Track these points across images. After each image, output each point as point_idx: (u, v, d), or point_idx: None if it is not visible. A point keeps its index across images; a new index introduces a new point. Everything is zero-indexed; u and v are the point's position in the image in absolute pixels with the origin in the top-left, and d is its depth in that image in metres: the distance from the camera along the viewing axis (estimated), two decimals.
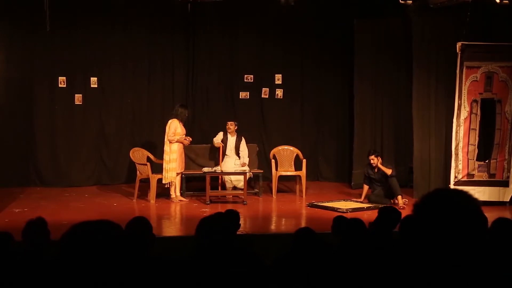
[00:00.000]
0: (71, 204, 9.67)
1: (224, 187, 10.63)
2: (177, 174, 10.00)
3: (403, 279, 2.62)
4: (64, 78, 11.40)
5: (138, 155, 10.41)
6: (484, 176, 9.79)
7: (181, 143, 10.01)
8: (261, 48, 12.14)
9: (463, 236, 1.86)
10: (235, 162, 10.65)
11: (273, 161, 10.92)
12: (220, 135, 10.80)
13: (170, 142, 9.93)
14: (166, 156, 9.98)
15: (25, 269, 3.40)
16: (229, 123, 10.76)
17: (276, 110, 12.33)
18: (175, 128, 9.93)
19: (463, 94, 9.68)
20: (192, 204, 9.91)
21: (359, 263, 4.00)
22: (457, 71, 9.63)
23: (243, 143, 10.76)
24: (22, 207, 9.27)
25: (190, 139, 10.18)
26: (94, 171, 11.72)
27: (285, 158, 11.05)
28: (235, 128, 10.77)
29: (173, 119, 10.00)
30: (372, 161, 9.78)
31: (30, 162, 11.43)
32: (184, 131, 10.09)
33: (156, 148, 11.15)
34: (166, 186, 10.01)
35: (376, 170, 9.85)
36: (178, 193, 10.04)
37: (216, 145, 10.72)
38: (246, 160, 10.63)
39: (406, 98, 10.94)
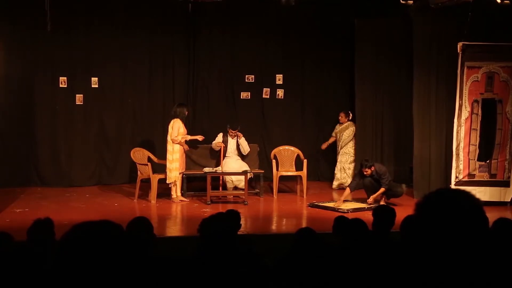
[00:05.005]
0: (72, 204, 9.67)
1: (225, 187, 10.63)
2: (180, 173, 10.02)
3: (404, 279, 2.62)
4: (65, 78, 11.40)
5: (139, 155, 10.40)
6: (485, 176, 9.79)
7: (182, 146, 10.00)
8: (261, 48, 12.14)
9: (465, 237, 1.85)
10: (236, 161, 10.66)
11: (274, 161, 10.92)
12: (219, 137, 10.79)
13: (173, 142, 9.94)
14: (169, 156, 9.98)
15: (26, 269, 3.39)
16: (233, 131, 10.71)
17: (277, 110, 12.33)
18: (178, 128, 9.95)
19: (464, 94, 9.68)
20: (193, 204, 9.91)
21: (360, 263, 4.00)
22: (458, 71, 9.63)
23: (242, 139, 10.76)
24: (22, 207, 9.28)
25: (203, 137, 10.30)
26: (95, 171, 11.72)
27: (286, 158, 11.05)
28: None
29: (176, 119, 10.00)
30: (366, 173, 9.74)
31: (31, 162, 11.43)
32: (186, 131, 10.10)
33: (157, 148, 11.17)
34: (170, 186, 10.02)
35: (370, 175, 9.80)
36: (179, 193, 10.04)
37: (216, 146, 10.71)
38: (247, 148, 10.69)
39: (407, 98, 10.93)
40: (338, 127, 11.75)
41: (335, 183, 11.65)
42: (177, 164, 9.94)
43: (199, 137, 10.30)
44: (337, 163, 11.72)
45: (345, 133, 11.65)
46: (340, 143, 11.70)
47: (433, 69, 10.35)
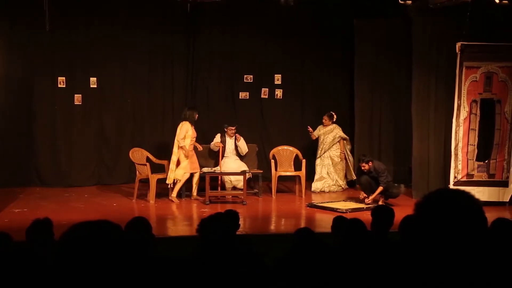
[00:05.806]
0: (71, 204, 9.67)
1: (223, 187, 10.63)
2: (194, 173, 10.09)
3: (403, 279, 2.62)
4: (64, 78, 11.40)
5: (138, 155, 10.40)
6: (483, 176, 9.79)
7: (185, 153, 9.97)
8: (260, 48, 12.14)
9: (464, 237, 1.86)
10: (235, 161, 10.67)
11: (272, 161, 10.92)
12: (217, 137, 10.80)
13: (179, 145, 9.96)
14: (173, 157, 10.00)
15: (25, 270, 3.39)
16: (232, 128, 10.73)
17: (276, 110, 12.33)
18: (186, 131, 9.96)
19: (462, 94, 9.68)
20: (192, 204, 9.91)
21: (359, 263, 4.00)
22: (457, 71, 9.63)
23: (241, 142, 10.77)
24: (22, 207, 9.27)
25: (201, 148, 10.39)
26: (94, 171, 11.71)
27: (285, 158, 11.04)
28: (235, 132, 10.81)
29: (185, 122, 10.02)
30: (363, 168, 9.75)
31: (30, 162, 11.42)
32: (195, 134, 10.11)
33: (156, 148, 11.16)
34: (169, 186, 10.01)
35: (368, 172, 9.80)
36: (195, 192, 10.12)
37: (215, 146, 10.71)
38: (245, 150, 10.72)
39: (406, 98, 10.94)
40: (321, 129, 11.26)
41: (322, 184, 11.21)
42: (182, 165, 9.97)
43: (199, 147, 10.32)
44: (320, 166, 11.25)
45: (330, 136, 11.22)
46: (324, 146, 11.24)
47: (432, 69, 10.35)
